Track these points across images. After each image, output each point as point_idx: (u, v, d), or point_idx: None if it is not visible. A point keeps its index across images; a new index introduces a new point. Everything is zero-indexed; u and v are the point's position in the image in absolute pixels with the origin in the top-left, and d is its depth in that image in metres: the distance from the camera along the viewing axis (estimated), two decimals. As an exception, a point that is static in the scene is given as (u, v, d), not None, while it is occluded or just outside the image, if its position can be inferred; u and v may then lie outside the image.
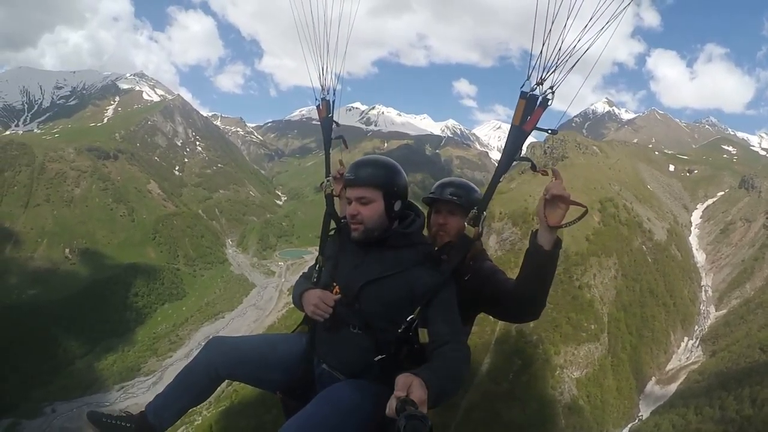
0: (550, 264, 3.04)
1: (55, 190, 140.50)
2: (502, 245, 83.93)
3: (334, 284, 3.34)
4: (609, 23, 2.83)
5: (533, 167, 3.22)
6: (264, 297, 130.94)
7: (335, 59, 4.16)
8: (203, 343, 3.63)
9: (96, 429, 3.42)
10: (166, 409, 3.45)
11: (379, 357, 3.11)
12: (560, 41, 2.87)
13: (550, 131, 3.08)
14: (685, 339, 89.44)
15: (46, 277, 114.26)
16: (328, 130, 4.32)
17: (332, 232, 3.71)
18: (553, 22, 2.78)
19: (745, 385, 61.22)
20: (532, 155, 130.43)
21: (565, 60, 2.91)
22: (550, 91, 2.99)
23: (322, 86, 4.26)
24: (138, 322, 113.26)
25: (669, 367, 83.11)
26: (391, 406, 2.20)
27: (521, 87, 3.02)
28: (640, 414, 72.17)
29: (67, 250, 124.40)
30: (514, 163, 3.20)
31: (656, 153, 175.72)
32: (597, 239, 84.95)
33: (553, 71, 2.94)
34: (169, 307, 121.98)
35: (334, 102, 4.33)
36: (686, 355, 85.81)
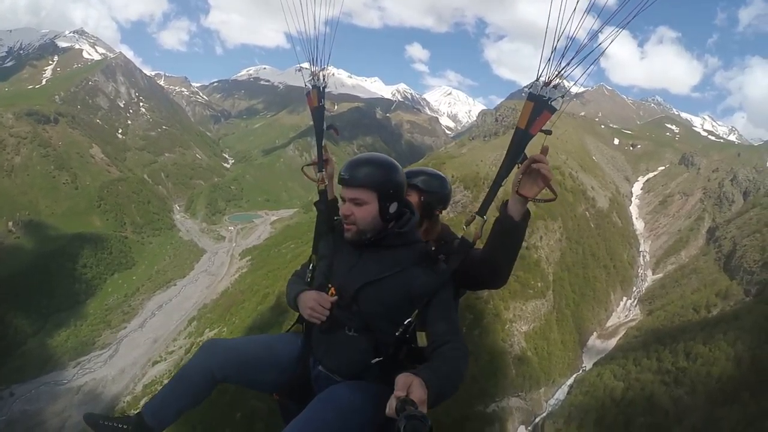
0: (519, 234, 3.13)
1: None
2: (453, 207, 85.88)
3: (330, 285, 3.37)
4: (620, 31, 2.93)
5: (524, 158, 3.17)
6: (215, 263, 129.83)
7: (326, 45, 4.34)
8: (201, 344, 3.66)
9: (94, 430, 3.50)
10: (163, 411, 3.48)
11: (377, 359, 3.16)
12: (568, 46, 2.92)
13: (547, 132, 3.15)
14: (624, 299, 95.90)
15: None
16: (319, 120, 4.35)
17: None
18: (568, 24, 2.85)
19: (680, 341, 65.57)
20: (483, 122, 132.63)
21: (576, 64, 2.98)
22: (559, 94, 3.06)
23: (312, 74, 4.41)
24: (88, 294, 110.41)
25: (609, 323, 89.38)
26: (391, 405, 2.22)
27: (529, 88, 3.06)
28: (583, 365, 77.31)
29: (10, 224, 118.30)
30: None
31: (602, 126, 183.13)
32: (544, 204, 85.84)
33: (564, 73, 3.01)
34: (119, 277, 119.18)
35: (324, 88, 4.43)
36: (625, 313, 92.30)
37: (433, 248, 3.34)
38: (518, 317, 73.78)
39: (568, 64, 2.97)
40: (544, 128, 3.11)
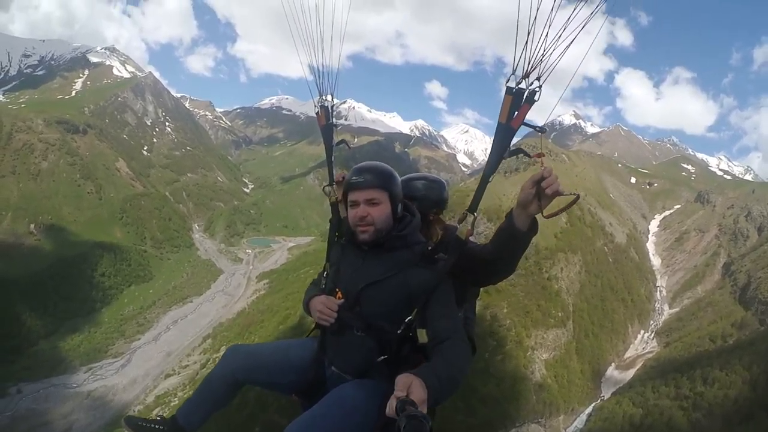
0: (525, 244, 3.08)
1: (22, 161, 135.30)
2: (477, 238, 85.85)
3: (337, 289, 3.50)
4: (594, 13, 2.81)
5: (526, 155, 3.20)
6: (232, 283, 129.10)
7: (332, 58, 4.30)
8: (223, 352, 3.96)
9: (132, 431, 3.77)
10: (193, 414, 3.85)
11: (382, 357, 3.26)
12: (546, 33, 2.79)
13: (538, 129, 3.07)
14: (641, 331, 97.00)
15: (8, 251, 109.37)
16: (329, 137, 4.38)
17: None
18: (537, 11, 2.72)
19: (697, 368, 67.65)
20: (503, 159, 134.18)
21: (551, 52, 2.84)
22: (537, 85, 2.91)
23: (320, 93, 4.41)
24: (104, 302, 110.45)
25: (627, 355, 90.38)
26: (391, 406, 2.25)
27: (506, 82, 2.97)
28: (602, 395, 78.10)
29: (32, 225, 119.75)
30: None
31: (619, 165, 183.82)
32: (564, 237, 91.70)
33: (540, 64, 2.87)
34: (135, 288, 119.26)
35: (332, 107, 4.43)
36: (642, 345, 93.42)
37: (430, 248, 3.43)
38: (539, 345, 75.17)
39: (544, 54, 2.87)
40: (534, 125, 3.08)
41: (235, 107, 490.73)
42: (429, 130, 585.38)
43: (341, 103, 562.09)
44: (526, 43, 2.80)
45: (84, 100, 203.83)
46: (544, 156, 3.03)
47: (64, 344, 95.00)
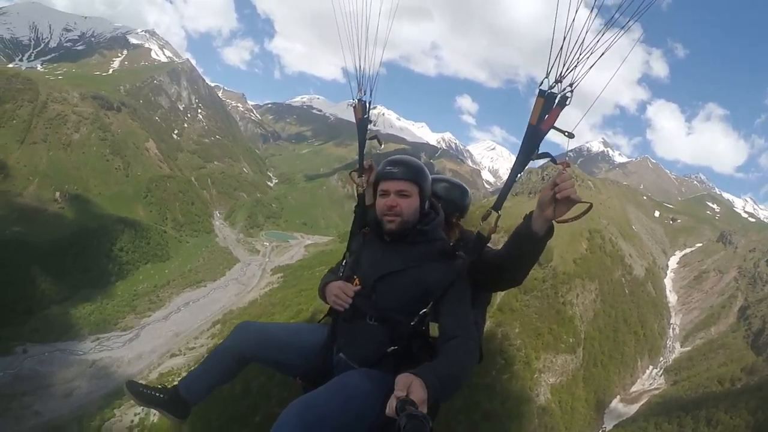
0: (540, 248, 3.10)
1: (54, 131, 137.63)
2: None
3: (355, 277, 3.52)
4: (632, 23, 2.84)
5: (553, 160, 3.12)
6: (247, 273, 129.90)
7: (373, 62, 4.35)
8: (233, 328, 3.88)
9: (134, 397, 3.77)
10: (195, 385, 3.78)
11: (392, 348, 3.25)
12: (581, 39, 2.84)
13: (567, 133, 3.02)
14: (650, 367, 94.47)
15: (32, 216, 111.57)
16: (363, 130, 4.47)
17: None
18: (575, 18, 2.75)
19: (702, 408, 67.19)
20: (528, 180, 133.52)
21: (586, 57, 2.87)
22: (569, 89, 2.94)
23: (359, 87, 4.43)
24: (119, 276, 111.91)
25: (633, 389, 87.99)
26: (391, 406, 2.28)
27: (539, 85, 2.99)
28: (603, 426, 76.65)
29: (57, 193, 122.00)
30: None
31: (644, 198, 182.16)
32: (583, 264, 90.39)
33: (573, 69, 2.89)
34: (151, 267, 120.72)
35: (370, 103, 4.48)
36: (650, 381, 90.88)
37: (451, 244, 3.46)
38: (547, 368, 73.91)
39: (579, 59, 2.92)
40: (563, 129, 3.04)
41: (266, 102, 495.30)
42: (456, 143, 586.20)
43: (372, 108, 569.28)
44: (561, 48, 2.83)
45: (120, 79, 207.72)
46: (569, 165, 3.06)
47: (75, 311, 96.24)
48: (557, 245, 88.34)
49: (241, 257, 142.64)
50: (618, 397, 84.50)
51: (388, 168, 3.46)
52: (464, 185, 4.55)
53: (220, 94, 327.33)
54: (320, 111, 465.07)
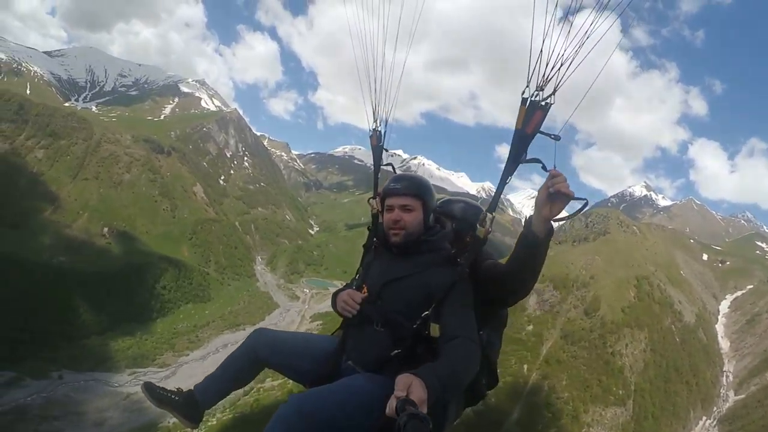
0: (542, 250, 3.12)
1: (106, 169, 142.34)
2: (541, 305, 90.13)
3: (364, 286, 3.62)
4: (593, 29, 2.96)
5: (544, 168, 3.09)
6: (286, 319, 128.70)
7: (389, 97, 4.41)
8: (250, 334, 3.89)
9: (149, 397, 3.77)
10: (210, 389, 3.79)
11: (396, 351, 3.28)
12: (558, 45, 2.98)
13: (553, 136, 3.12)
14: (704, 418, 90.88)
15: (79, 247, 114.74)
16: (378, 157, 4.58)
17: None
18: (546, 32, 2.95)
19: None
20: (572, 227, 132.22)
21: (565, 66, 2.99)
22: (551, 95, 3.06)
23: (375, 118, 4.51)
24: (161, 314, 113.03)
25: None
26: (391, 406, 2.31)
27: (522, 93, 3.12)
28: None
29: (105, 228, 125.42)
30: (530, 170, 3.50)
31: (691, 241, 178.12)
32: (631, 312, 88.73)
33: (553, 76, 3.01)
34: (192, 307, 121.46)
35: (385, 133, 4.58)
36: None
37: (453, 252, 3.55)
38: (596, 422, 71.84)
39: (555, 67, 3.07)
40: (549, 133, 3.16)
41: (309, 151, 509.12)
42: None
43: (411, 158, 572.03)
44: (539, 59, 2.97)
45: (171, 125, 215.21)
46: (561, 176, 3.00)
47: (114, 344, 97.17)
48: (604, 294, 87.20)
49: (281, 303, 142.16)
50: None
51: (392, 185, 3.62)
52: (478, 205, 4.46)
53: (265, 143, 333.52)
54: (361, 161, 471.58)
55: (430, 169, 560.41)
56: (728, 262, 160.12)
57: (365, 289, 3.56)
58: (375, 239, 3.87)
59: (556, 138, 3.09)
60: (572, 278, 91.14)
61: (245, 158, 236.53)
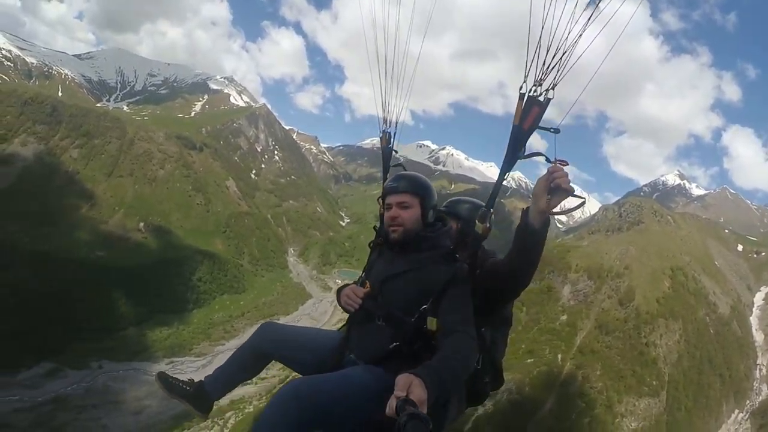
0: (539, 241, 3.18)
1: (140, 166, 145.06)
2: (576, 295, 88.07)
3: (367, 282, 3.74)
4: (588, 24, 3.03)
5: (548, 160, 3.15)
6: (319, 309, 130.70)
7: (399, 98, 4.70)
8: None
9: (162, 385, 3.99)
10: (219, 380, 3.98)
11: (394, 344, 3.38)
12: (555, 40, 3.04)
13: (552, 130, 3.18)
14: (736, 411, 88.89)
15: (116, 243, 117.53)
16: (387, 158, 4.98)
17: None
18: (542, 30, 3.03)
19: None
20: (604, 217, 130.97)
21: (565, 59, 3.05)
22: (550, 89, 3.13)
23: (385, 120, 4.88)
24: (197, 305, 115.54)
25: None
26: (391, 406, 2.31)
27: (519, 89, 3.17)
28: None
29: (141, 224, 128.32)
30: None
31: (726, 231, 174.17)
32: (666, 303, 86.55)
33: (551, 71, 3.08)
34: (227, 298, 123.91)
35: (394, 134, 4.97)
36: (735, 426, 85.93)
37: (452, 248, 3.63)
38: (629, 413, 70.71)
39: (554, 62, 3.12)
40: (548, 127, 3.21)
41: (337, 144, 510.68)
42: (526, 182, 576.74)
43: (440, 149, 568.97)
44: (535, 54, 3.06)
45: (202, 122, 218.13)
46: (567, 163, 3.10)
47: (151, 334, 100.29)
48: (639, 284, 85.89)
49: (314, 293, 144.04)
50: None
51: (390, 183, 3.76)
52: (482, 203, 4.42)
53: (294, 137, 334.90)
54: (381, 149, 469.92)
55: (458, 159, 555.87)
56: (764, 253, 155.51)
57: (368, 285, 3.69)
58: (380, 237, 3.99)
59: (556, 131, 3.19)
60: (606, 268, 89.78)
61: (275, 152, 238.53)
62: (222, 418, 76.70)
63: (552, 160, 3.08)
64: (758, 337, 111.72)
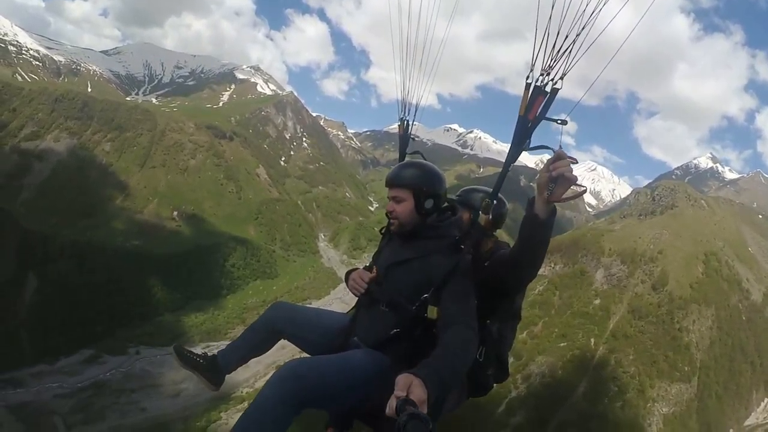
0: (545, 231, 3.15)
1: (172, 157, 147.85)
2: (609, 280, 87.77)
3: (374, 267, 3.85)
4: (597, 12, 2.93)
5: (553, 152, 3.11)
6: (350, 294, 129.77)
7: (422, 83, 4.66)
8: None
9: (178, 359, 4.10)
10: (232, 355, 4.09)
11: (395, 331, 3.47)
12: (564, 28, 2.98)
13: (559, 121, 3.15)
14: (766, 400, 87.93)
15: (151, 231, 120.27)
16: (404, 146, 5.02)
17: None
18: (550, 20, 2.95)
19: None
20: (636, 201, 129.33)
21: (574, 48, 3.00)
22: (559, 79, 3.09)
23: (403, 107, 4.91)
24: (230, 290, 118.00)
25: (747, 422, 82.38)
26: (392, 406, 2.28)
27: (526, 79, 3.15)
28: None
29: (175, 212, 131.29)
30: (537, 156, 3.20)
31: (760, 217, 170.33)
32: (699, 288, 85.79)
33: (559, 60, 3.03)
34: (260, 283, 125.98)
35: (411, 122, 5.01)
36: (765, 414, 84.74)
37: (457, 238, 3.64)
38: (661, 398, 70.80)
39: (563, 50, 3.05)
40: (556, 118, 3.20)
41: (364, 129, 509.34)
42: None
43: (467, 132, 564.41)
44: (544, 38, 3.01)
45: (230, 111, 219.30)
46: (576, 161, 3.07)
47: (187, 320, 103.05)
48: (672, 269, 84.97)
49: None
50: (731, 431, 79.46)
51: (388, 175, 3.79)
52: (501, 198, 4.41)
53: (321, 123, 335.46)
54: (417, 137, 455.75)
55: (486, 142, 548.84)
56: None
57: (375, 271, 3.77)
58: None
59: (563, 122, 3.15)
60: (639, 252, 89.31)
61: (304, 139, 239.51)
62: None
63: (555, 151, 3.07)
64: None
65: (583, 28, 2.93)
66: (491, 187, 4.22)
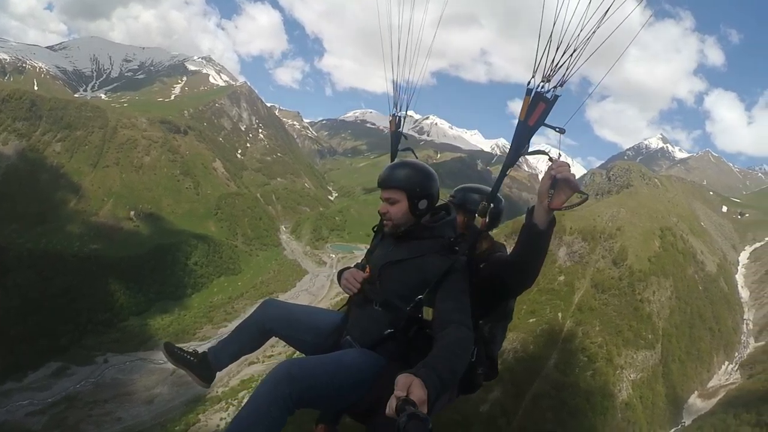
0: (544, 241, 3.15)
1: (126, 155, 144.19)
2: (571, 257, 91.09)
3: (368, 266, 3.77)
4: (597, 27, 2.99)
5: (550, 159, 3.16)
6: (316, 284, 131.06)
7: (413, 80, 4.72)
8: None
9: (169, 357, 4.01)
10: (222, 351, 4.01)
11: (389, 331, 3.42)
12: (565, 37, 2.98)
13: (558, 129, 3.11)
14: (726, 363, 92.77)
15: (108, 234, 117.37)
16: (396, 142, 4.92)
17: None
18: (554, 25, 2.95)
19: None
20: (592, 181, 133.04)
21: (575, 57, 3.01)
22: (558, 87, 3.11)
23: (396, 103, 4.89)
24: (195, 289, 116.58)
25: (710, 384, 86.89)
26: (391, 406, 2.27)
27: (527, 84, 3.14)
28: (682, 421, 76.13)
29: (132, 213, 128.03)
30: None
31: (711, 193, 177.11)
32: (657, 261, 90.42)
33: (560, 68, 3.06)
34: (225, 280, 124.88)
35: (404, 118, 4.98)
36: (725, 376, 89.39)
37: (452, 239, 3.60)
38: (628, 365, 74.20)
39: (563, 59, 3.10)
40: (554, 125, 3.17)
41: (320, 119, 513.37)
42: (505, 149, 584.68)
43: (423, 119, 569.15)
44: (545, 51, 3.01)
45: (183, 104, 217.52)
46: (563, 161, 3.11)
47: (153, 323, 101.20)
48: (631, 245, 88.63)
49: (310, 269, 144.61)
50: (696, 392, 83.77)
51: (380, 176, 3.69)
52: (499, 196, 4.44)
53: (277, 113, 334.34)
54: (374, 124, 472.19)
55: (442, 128, 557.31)
56: (747, 215, 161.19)
57: (368, 270, 3.72)
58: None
59: (561, 131, 3.13)
60: (599, 230, 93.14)
61: (260, 130, 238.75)
62: (236, 399, 77.37)
63: (555, 158, 3.13)
64: (744, 293, 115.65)
65: (586, 39, 2.99)
66: (469, 183, 4.66)
